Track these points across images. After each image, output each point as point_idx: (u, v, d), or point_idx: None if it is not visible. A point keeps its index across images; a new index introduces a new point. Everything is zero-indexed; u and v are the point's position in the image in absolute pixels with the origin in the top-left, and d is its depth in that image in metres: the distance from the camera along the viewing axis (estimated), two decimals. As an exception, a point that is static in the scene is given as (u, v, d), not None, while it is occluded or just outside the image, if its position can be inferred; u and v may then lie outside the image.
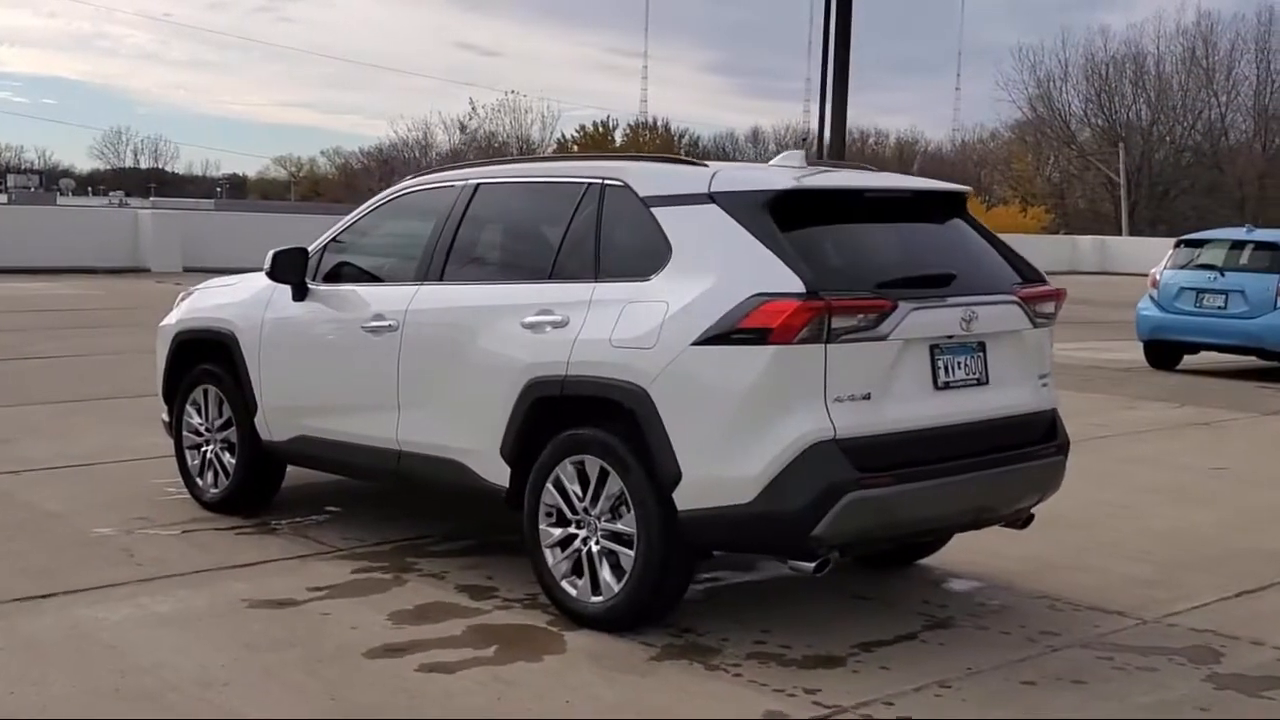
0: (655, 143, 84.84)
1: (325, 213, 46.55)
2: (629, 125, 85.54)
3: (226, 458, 7.58)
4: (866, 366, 5.34)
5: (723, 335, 5.28)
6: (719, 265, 5.45)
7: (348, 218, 7.26)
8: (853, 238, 5.83)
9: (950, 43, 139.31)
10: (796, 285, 5.22)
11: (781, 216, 5.48)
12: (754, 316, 5.22)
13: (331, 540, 7.12)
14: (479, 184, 6.60)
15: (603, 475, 5.63)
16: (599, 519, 5.68)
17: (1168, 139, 79.04)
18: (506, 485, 6.05)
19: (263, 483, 7.62)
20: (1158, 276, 16.58)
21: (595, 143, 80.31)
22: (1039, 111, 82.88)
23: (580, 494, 5.74)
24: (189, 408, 7.79)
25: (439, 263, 6.51)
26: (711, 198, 5.61)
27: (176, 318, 7.93)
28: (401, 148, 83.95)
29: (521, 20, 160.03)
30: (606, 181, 6.00)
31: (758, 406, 5.25)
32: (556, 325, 5.82)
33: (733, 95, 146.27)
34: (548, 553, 5.87)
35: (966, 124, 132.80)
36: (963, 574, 6.76)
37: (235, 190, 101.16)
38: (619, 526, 5.60)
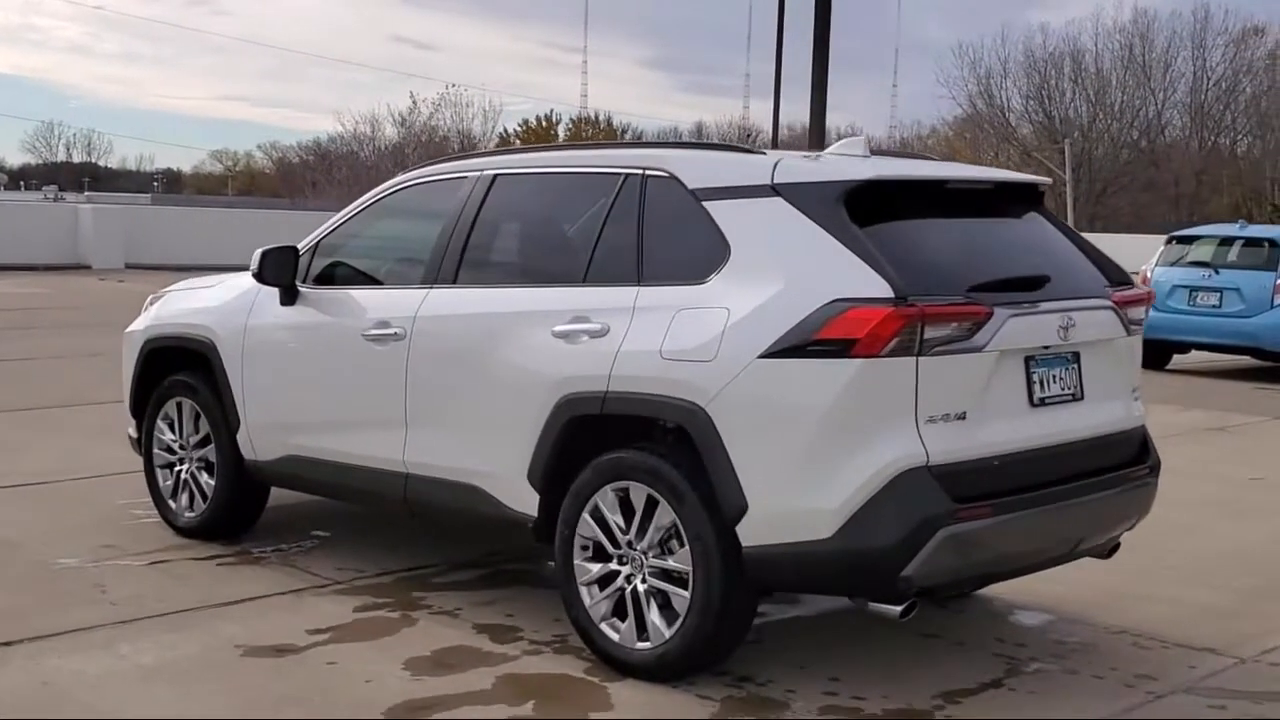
0: (599, 138, 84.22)
1: (266, 207, 45.58)
2: (571, 120, 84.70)
3: (204, 478, 6.84)
4: (961, 381, 4.70)
5: (797, 347, 4.62)
6: (788, 266, 4.79)
7: (341, 214, 6.53)
8: (936, 235, 5.19)
9: (887, 40, 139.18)
10: (883, 289, 4.57)
11: (857, 211, 4.83)
12: (835, 325, 4.57)
13: (324, 571, 6.40)
14: (496, 175, 5.90)
15: (650, 505, 4.96)
16: (646, 554, 5.00)
17: (1106, 136, 79.19)
18: (533, 514, 5.37)
19: (245, 506, 6.89)
20: (1149, 274, 16.08)
21: (540, 137, 79.49)
22: (979, 108, 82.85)
23: (623, 525, 5.07)
24: (160, 423, 7.03)
25: (451, 264, 5.81)
26: (775, 190, 4.95)
27: (145, 324, 7.16)
28: (340, 142, 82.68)
29: (458, 14, 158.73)
30: (648, 172, 5.32)
31: (838, 428, 4.60)
32: (594, 334, 5.14)
33: (671, 91, 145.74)
34: (584, 591, 5.19)
35: (905, 121, 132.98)
36: (1027, 605, 6.15)
37: (170, 185, 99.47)
38: (670, 563, 4.93)
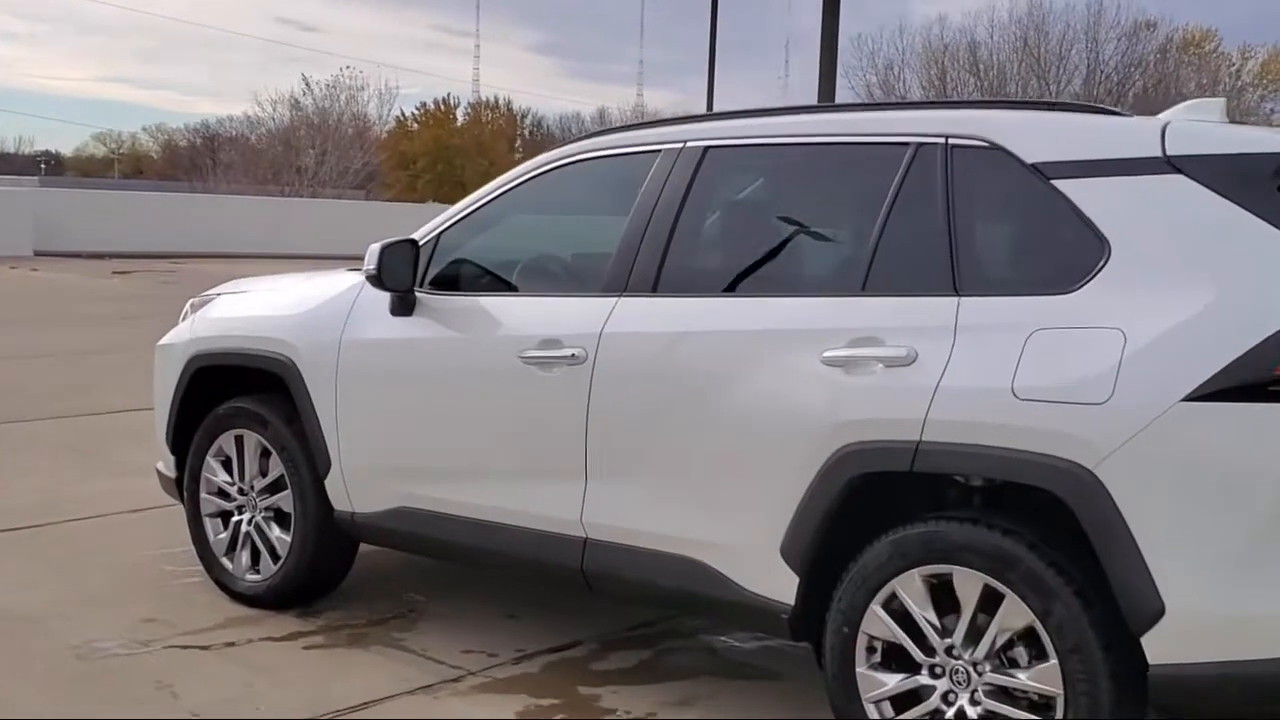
0: (498, 123, 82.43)
1: (162, 189, 43.20)
2: (470, 104, 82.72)
3: (275, 532, 5.37)
4: None
5: (1247, 386, 3.30)
6: (1215, 271, 3.49)
7: (472, 199, 5.09)
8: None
9: (778, 30, 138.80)
10: (1377, 308, 3.28)
11: (1292, 198, 3.52)
12: (1312, 357, 3.27)
13: (447, 653, 5.03)
14: (707, 149, 4.51)
15: (989, 599, 3.63)
16: (977, 666, 3.66)
17: (1005, 127, 79.23)
18: (787, 601, 4.01)
19: (329, 569, 5.46)
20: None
21: (438, 121, 77.49)
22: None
23: (939, 626, 3.73)
24: (212, 461, 5.54)
25: (649, 265, 4.42)
26: (1171, 163, 3.62)
27: (189, 335, 5.66)
28: (230, 124, 79.84)
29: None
30: (956, 141, 3.97)
31: (1315, 503, 3.30)
32: (893, 362, 3.79)
33: (561, 77, 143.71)
34: (871, 709, 3.85)
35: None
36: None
37: (53, 168, 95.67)
38: (1021, 680, 3.61)
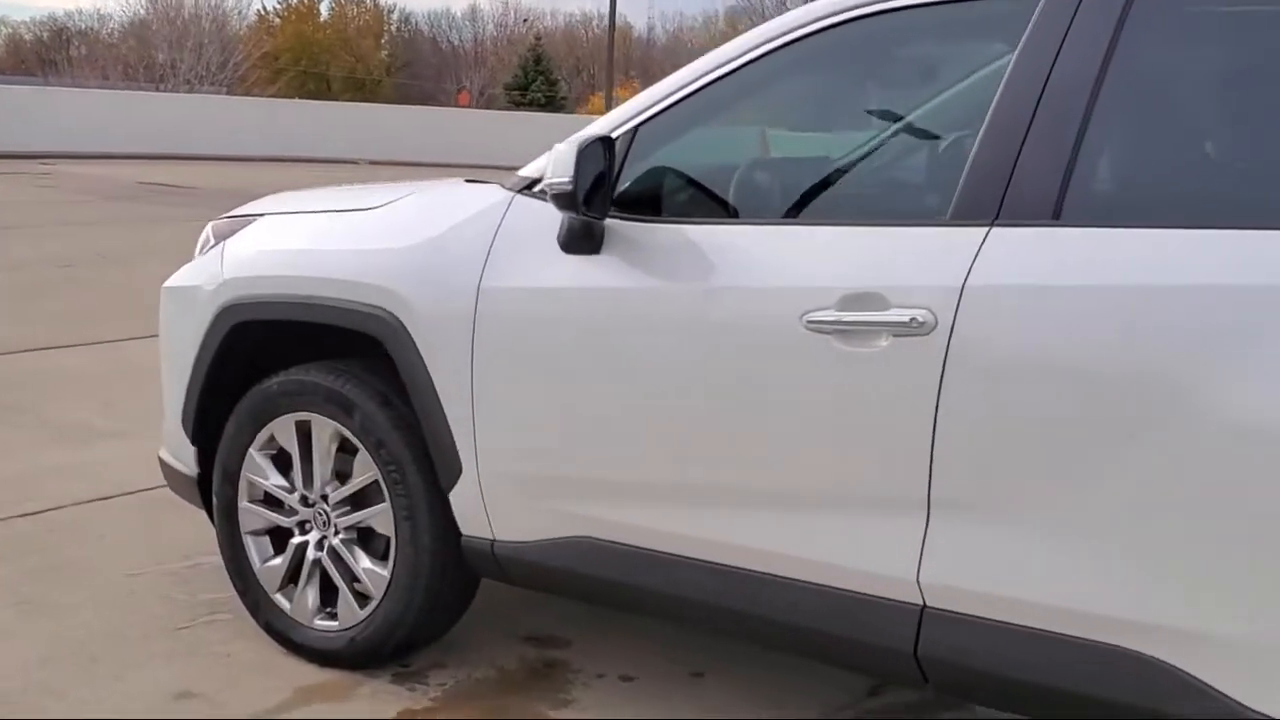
0: (364, 19, 79.12)
1: (10, 85, 39.88)
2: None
3: (362, 562, 3.68)
4: None
5: None
6: None
7: (690, 73, 3.34)
8: None
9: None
10: None
11: None
12: None
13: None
14: None
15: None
16: None
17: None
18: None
19: (443, 616, 3.76)
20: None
21: (301, 16, 74.01)
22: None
23: None
24: (258, 456, 3.80)
25: (1046, 177, 2.77)
26: None
27: (222, 274, 3.90)
28: (79, 18, 75.49)
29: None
30: None
31: None
32: None
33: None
34: None
35: (666, 11, 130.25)
36: None
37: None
38: None
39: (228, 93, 50.60)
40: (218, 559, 4.16)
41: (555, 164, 3.07)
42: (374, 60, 75.96)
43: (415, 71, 77.41)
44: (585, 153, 3.07)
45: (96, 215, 16.08)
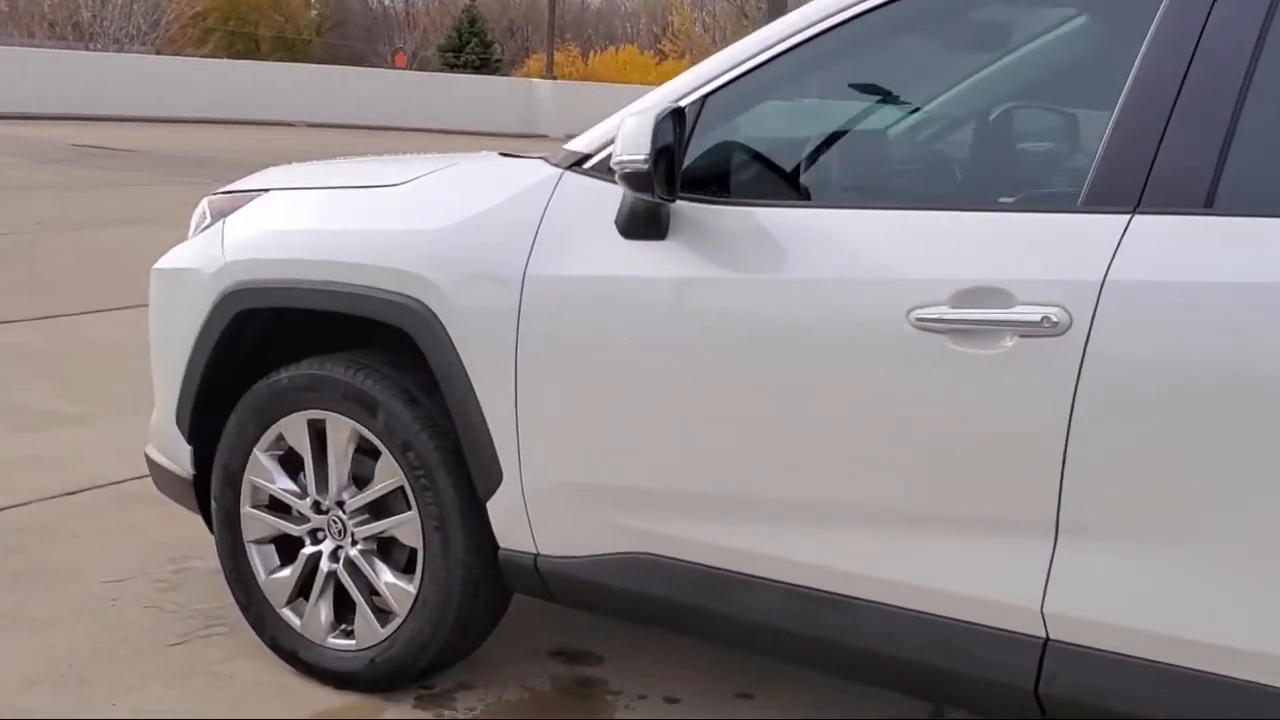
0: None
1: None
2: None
3: (385, 575, 3.34)
4: None
5: None
6: None
7: (763, 38, 2.98)
8: None
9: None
10: None
11: None
12: None
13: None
14: None
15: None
16: None
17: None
18: None
19: (472, 635, 3.42)
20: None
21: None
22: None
23: None
24: (263, 457, 3.43)
25: (1198, 158, 2.45)
26: None
27: (224, 255, 3.52)
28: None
29: None
30: None
31: None
32: None
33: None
34: None
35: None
36: None
37: None
38: None
39: (158, 54, 49.47)
40: (206, 563, 3.83)
41: (627, 139, 2.72)
42: (303, 20, 74.65)
43: (346, 32, 76.22)
44: (661, 127, 2.71)
45: (31, 179, 15.46)
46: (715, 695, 3.53)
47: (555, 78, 38.61)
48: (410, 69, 58.20)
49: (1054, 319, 2.46)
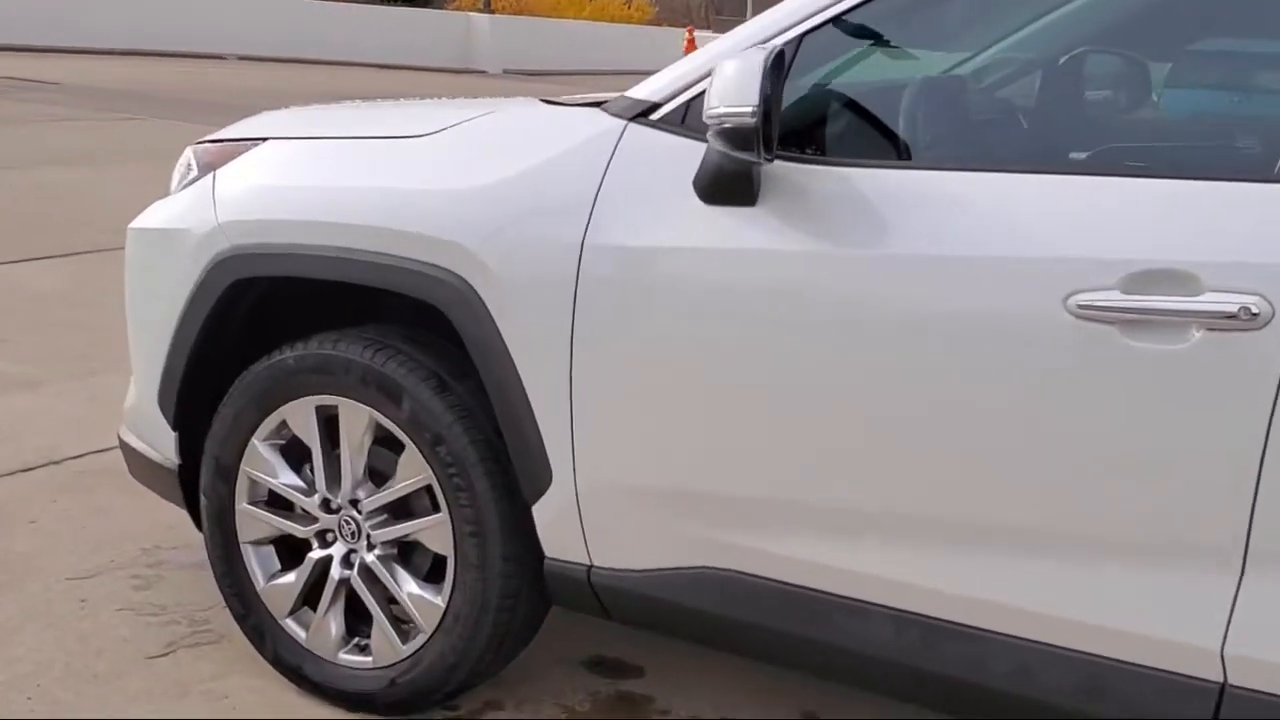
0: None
1: None
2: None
3: (408, 585, 2.89)
4: None
5: None
6: None
7: None
8: None
9: None
10: None
11: None
12: None
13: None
14: None
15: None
16: None
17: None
18: None
19: (507, 653, 2.98)
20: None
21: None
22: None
23: None
24: (262, 447, 2.97)
25: None
26: None
27: (216, 214, 3.05)
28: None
29: None
30: None
31: None
32: None
33: None
34: None
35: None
36: None
37: None
38: None
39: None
40: (185, 555, 3.37)
41: (726, 87, 2.27)
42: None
43: (274, -38, 74.46)
44: (768, 74, 2.26)
45: (-51, 113, 14.67)
46: (775, 715, 3.12)
47: (493, 11, 37.72)
48: (346, 1, 56.88)
49: (1253, 310, 2.06)
